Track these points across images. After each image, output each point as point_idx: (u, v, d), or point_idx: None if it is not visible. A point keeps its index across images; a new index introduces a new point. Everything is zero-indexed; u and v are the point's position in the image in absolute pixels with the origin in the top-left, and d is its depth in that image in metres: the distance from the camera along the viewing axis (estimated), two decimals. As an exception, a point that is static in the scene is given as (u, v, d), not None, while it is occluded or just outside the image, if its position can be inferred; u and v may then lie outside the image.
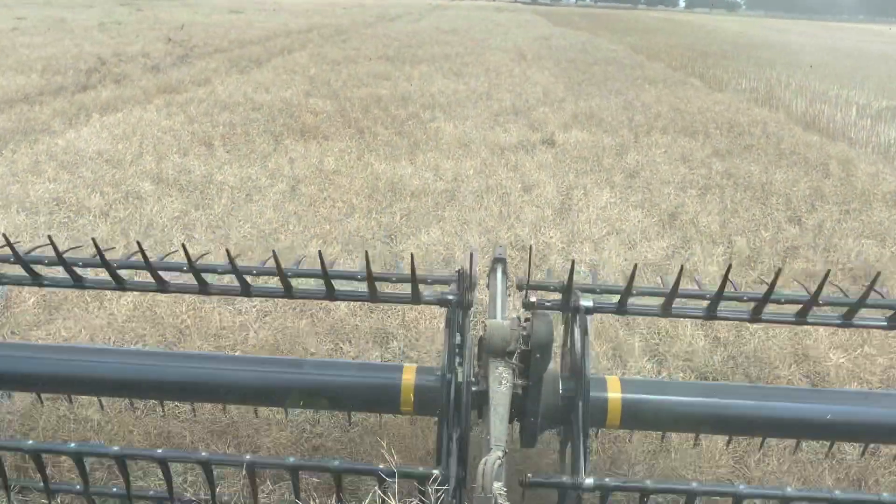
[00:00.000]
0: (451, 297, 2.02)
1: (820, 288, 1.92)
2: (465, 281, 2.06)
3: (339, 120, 8.37)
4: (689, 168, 6.59)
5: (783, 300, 2.01)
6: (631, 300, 2.01)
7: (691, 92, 11.72)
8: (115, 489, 2.12)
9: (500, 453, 1.59)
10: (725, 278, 1.93)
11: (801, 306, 1.98)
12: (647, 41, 25.24)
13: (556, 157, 6.78)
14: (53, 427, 2.54)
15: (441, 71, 13.00)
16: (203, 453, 1.94)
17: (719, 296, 1.96)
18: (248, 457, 1.88)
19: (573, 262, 2.04)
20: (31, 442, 1.98)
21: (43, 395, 2.60)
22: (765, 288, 1.94)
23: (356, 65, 13.81)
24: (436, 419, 2.04)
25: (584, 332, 1.96)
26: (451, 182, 5.81)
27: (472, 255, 2.19)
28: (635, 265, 1.99)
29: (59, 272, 2.10)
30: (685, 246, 4.57)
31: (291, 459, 1.91)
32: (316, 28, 24.79)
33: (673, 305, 1.99)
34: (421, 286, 2.05)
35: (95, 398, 2.58)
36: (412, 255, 2.04)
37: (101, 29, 21.11)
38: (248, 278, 2.08)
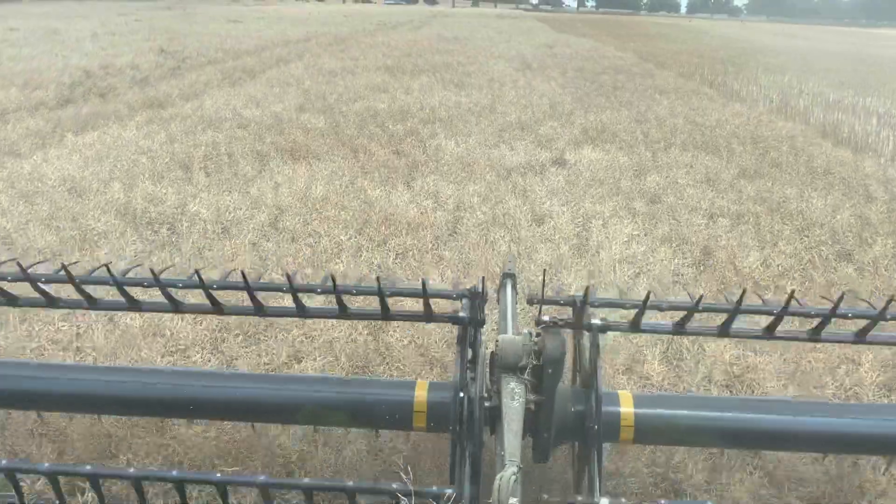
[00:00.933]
0: (463, 314, 2.04)
1: (835, 307, 1.95)
2: (477, 298, 2.07)
3: (331, 137, 7.76)
4: (717, 191, 5.96)
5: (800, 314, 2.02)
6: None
7: (706, 102, 11.10)
8: None
9: (514, 469, 1.58)
10: (742, 296, 1.95)
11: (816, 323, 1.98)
12: (652, 48, 24.65)
13: (569, 180, 6.15)
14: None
15: (442, 82, 12.39)
16: (217, 474, 1.85)
17: (736, 311, 1.96)
18: (262, 477, 1.81)
19: (587, 287, 2.02)
20: (47, 465, 1.89)
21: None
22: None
23: (353, 76, 13.22)
24: (448, 435, 2.02)
25: (596, 348, 1.95)
26: (452, 211, 5.18)
27: (482, 277, 2.17)
28: (649, 292, 1.97)
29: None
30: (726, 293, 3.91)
31: (306, 480, 1.84)
32: (314, 37, 24.26)
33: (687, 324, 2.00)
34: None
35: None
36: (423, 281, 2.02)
37: (94, 40, 20.58)
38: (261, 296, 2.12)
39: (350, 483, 1.81)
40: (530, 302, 2.08)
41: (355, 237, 4.60)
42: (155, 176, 5.93)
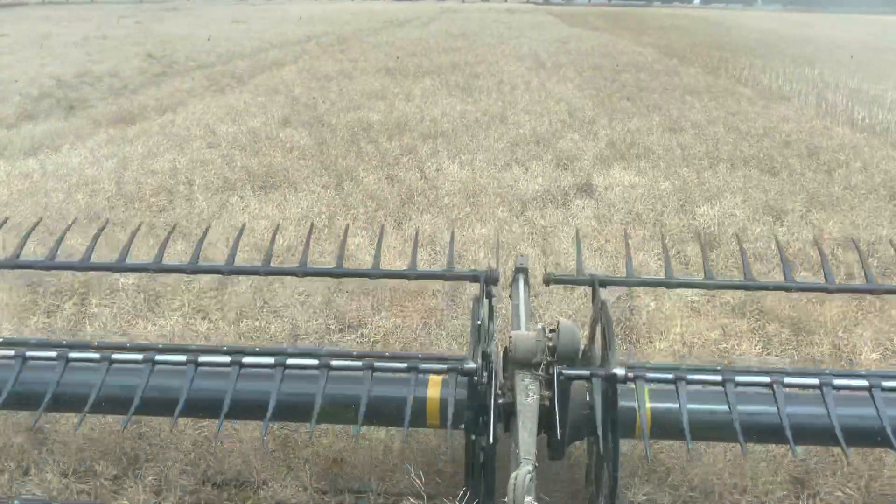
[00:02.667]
0: (479, 274, 2.15)
1: None
2: (491, 283, 2.14)
3: (315, 159, 6.61)
4: (788, 229, 4.74)
5: None
6: None
7: (744, 104, 9.82)
8: None
9: (530, 467, 1.56)
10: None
11: None
12: (670, 41, 23.30)
13: (600, 216, 4.95)
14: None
15: (447, 86, 11.19)
16: None
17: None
18: None
19: (604, 301, 1.98)
20: None
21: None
22: None
23: (350, 80, 12.05)
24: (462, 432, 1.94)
25: (611, 344, 1.89)
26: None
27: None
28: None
29: None
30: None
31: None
32: (315, 37, 23.11)
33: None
34: None
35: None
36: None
37: (83, 45, 19.56)
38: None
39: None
40: (547, 282, 2.24)
41: (321, 319, 3.42)
42: (85, 221, 4.78)
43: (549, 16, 46.14)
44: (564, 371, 1.82)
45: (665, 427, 2.01)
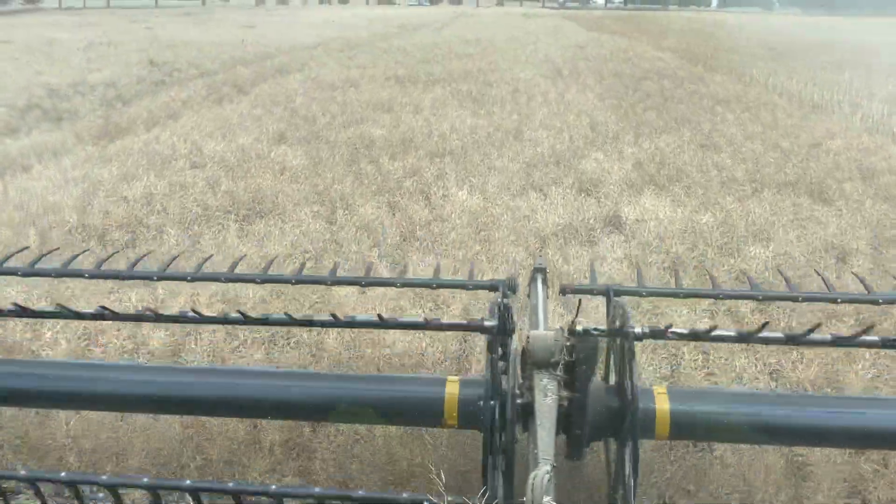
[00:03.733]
0: (490, 323, 1.99)
1: None
2: (512, 288, 2.17)
3: (308, 182, 5.92)
4: (851, 268, 3.98)
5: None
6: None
7: (782, 116, 9.03)
8: None
9: (548, 467, 1.55)
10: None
11: None
12: (690, 46, 22.46)
13: (631, 257, 4.20)
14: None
15: (458, 96, 10.48)
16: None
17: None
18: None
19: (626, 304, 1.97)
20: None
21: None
22: None
23: (356, 89, 11.38)
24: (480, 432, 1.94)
25: (631, 345, 1.89)
26: (459, 334, 3.28)
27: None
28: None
29: None
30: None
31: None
32: (324, 43, 22.52)
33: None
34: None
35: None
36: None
37: (86, 51, 19.02)
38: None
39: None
40: (563, 292, 2.26)
41: (284, 430, 2.70)
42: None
43: (566, 20, 45.35)
44: (588, 328, 1.79)
45: (685, 429, 1.98)
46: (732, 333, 1.91)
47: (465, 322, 2.03)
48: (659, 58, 17.91)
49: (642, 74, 13.78)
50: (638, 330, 1.87)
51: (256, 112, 9.27)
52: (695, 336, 1.89)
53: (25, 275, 2.39)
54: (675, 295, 2.31)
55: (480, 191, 5.59)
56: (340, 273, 2.38)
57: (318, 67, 15.33)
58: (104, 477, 1.77)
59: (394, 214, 5.13)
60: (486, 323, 1.93)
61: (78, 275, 2.40)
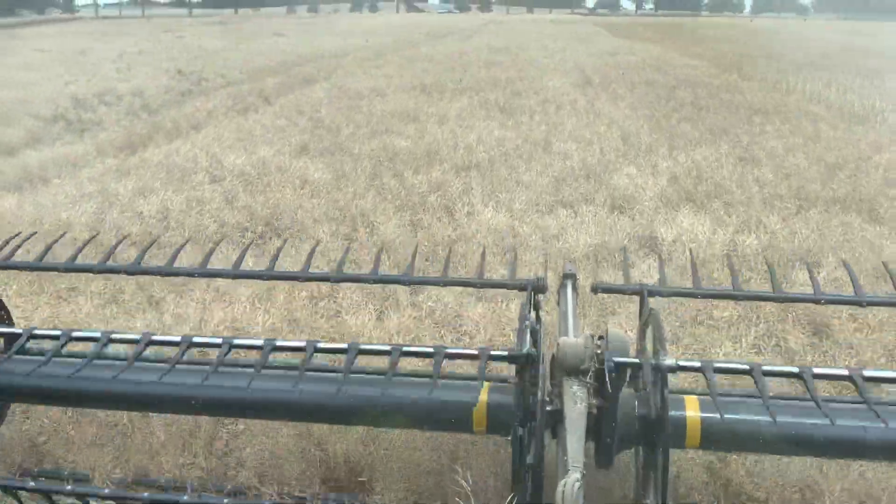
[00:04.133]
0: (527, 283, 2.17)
1: None
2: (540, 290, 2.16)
3: (328, 197, 5.71)
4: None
5: None
6: None
7: (824, 128, 8.63)
8: None
9: (578, 475, 1.56)
10: None
11: None
12: (724, 53, 21.98)
13: (672, 284, 3.89)
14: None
15: (485, 105, 10.24)
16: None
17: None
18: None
19: (652, 311, 1.93)
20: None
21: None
22: None
23: (382, 99, 11.20)
24: (509, 439, 1.92)
25: (662, 345, 1.82)
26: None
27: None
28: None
29: None
30: None
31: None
32: (352, 51, 22.43)
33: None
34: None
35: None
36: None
37: (117, 61, 19.15)
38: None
39: None
40: (595, 290, 2.27)
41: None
42: (25, 290, 3.94)
43: (596, 27, 44.89)
44: (615, 358, 1.76)
45: (716, 438, 1.94)
46: (783, 369, 1.87)
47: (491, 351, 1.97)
48: (692, 65, 17.51)
49: (675, 83, 13.42)
50: (670, 362, 1.81)
51: (280, 123, 9.12)
52: (734, 371, 1.84)
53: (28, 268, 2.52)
54: (712, 296, 2.28)
55: (507, 207, 5.33)
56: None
57: (345, 76, 15.21)
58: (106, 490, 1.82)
59: (416, 233, 4.90)
60: (513, 353, 1.91)
61: (87, 269, 2.47)
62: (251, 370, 1.98)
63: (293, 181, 6.13)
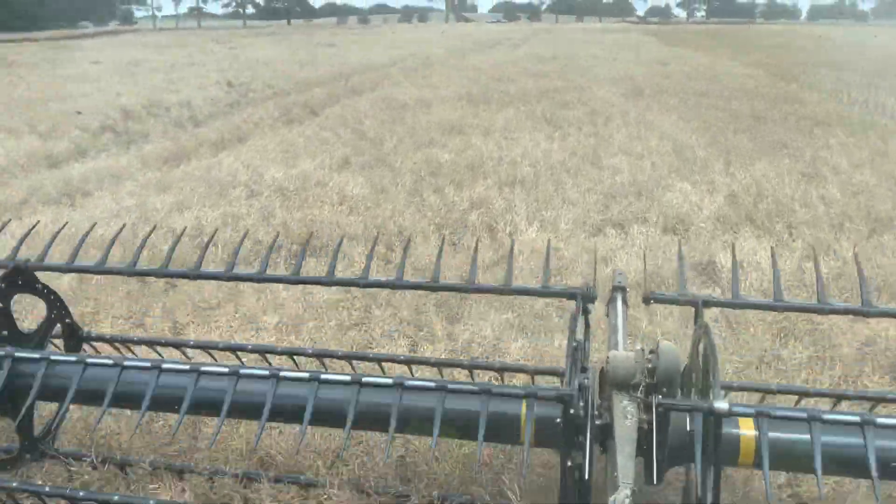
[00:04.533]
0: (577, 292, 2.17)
1: None
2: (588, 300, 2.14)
3: (366, 214, 5.52)
4: None
5: None
6: None
7: (894, 144, 8.11)
8: None
9: (628, 491, 1.54)
10: None
11: None
12: (781, 61, 21.25)
13: (734, 323, 3.56)
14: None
15: (532, 117, 9.97)
16: None
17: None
18: None
19: (706, 326, 1.81)
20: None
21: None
22: None
23: (428, 109, 11.02)
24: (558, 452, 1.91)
25: (715, 372, 1.72)
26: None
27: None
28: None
29: None
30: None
31: None
32: (400, 62, 22.41)
33: None
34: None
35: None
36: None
37: (168, 72, 19.48)
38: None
39: None
40: (647, 300, 2.18)
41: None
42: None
43: (645, 35, 44.19)
44: (663, 401, 1.71)
45: (772, 457, 1.75)
46: (844, 418, 1.75)
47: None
48: (747, 75, 16.91)
49: (730, 93, 12.93)
50: (723, 405, 1.68)
51: (324, 135, 9.01)
52: (792, 419, 1.74)
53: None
54: (772, 308, 2.19)
55: (552, 227, 5.06)
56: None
57: (392, 87, 15.12)
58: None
59: (455, 255, 4.66)
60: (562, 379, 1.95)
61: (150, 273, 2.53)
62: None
63: (331, 196, 5.96)
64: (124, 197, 6.20)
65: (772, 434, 1.77)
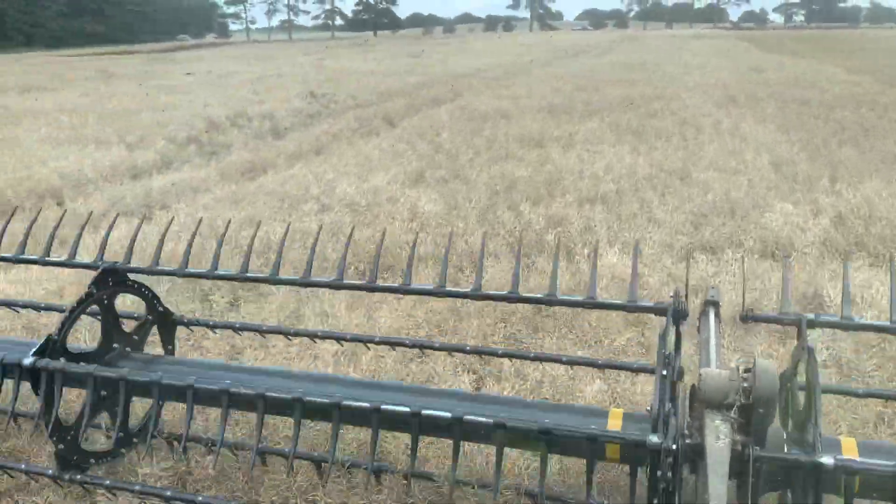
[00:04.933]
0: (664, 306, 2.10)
1: None
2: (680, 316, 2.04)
3: (437, 232, 5.28)
4: None
5: None
6: None
7: None
8: None
9: None
10: None
11: None
12: (889, 66, 19.81)
13: (845, 372, 3.09)
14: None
15: (616, 128, 9.52)
16: None
17: None
18: None
19: (810, 350, 1.83)
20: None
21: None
22: None
23: (507, 121, 10.74)
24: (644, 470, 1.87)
25: (816, 409, 1.73)
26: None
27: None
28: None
29: None
30: None
31: None
32: (481, 72, 22.20)
33: None
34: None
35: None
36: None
37: (255, 83, 19.96)
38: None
39: None
40: (745, 319, 2.10)
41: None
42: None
43: (740, 41, 42.44)
44: (760, 454, 1.66)
45: (875, 488, 1.70)
46: None
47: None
48: (853, 82, 15.80)
49: (833, 101, 12.06)
50: (828, 461, 1.63)
51: (400, 147, 8.86)
52: None
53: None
54: (885, 330, 2.06)
55: (639, 250, 4.66)
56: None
57: (472, 97, 14.92)
58: None
59: (529, 276, 4.35)
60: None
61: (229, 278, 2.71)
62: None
63: (402, 213, 5.75)
64: (200, 210, 6.18)
65: (876, 461, 1.69)
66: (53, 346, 2.24)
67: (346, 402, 1.96)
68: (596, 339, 3.47)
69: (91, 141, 10.17)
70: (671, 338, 1.95)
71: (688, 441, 1.75)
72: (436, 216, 5.69)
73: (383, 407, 1.94)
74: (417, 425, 1.95)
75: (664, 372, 1.83)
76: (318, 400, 1.98)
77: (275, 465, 2.55)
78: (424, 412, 1.91)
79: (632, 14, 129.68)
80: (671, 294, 2.13)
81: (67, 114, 13.54)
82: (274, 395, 2.00)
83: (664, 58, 26.31)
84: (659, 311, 2.12)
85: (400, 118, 12.09)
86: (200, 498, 2.13)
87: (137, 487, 2.18)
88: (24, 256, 2.65)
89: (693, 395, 1.79)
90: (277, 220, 5.68)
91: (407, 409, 1.93)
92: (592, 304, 2.23)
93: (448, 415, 1.90)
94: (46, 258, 2.63)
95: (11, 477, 2.47)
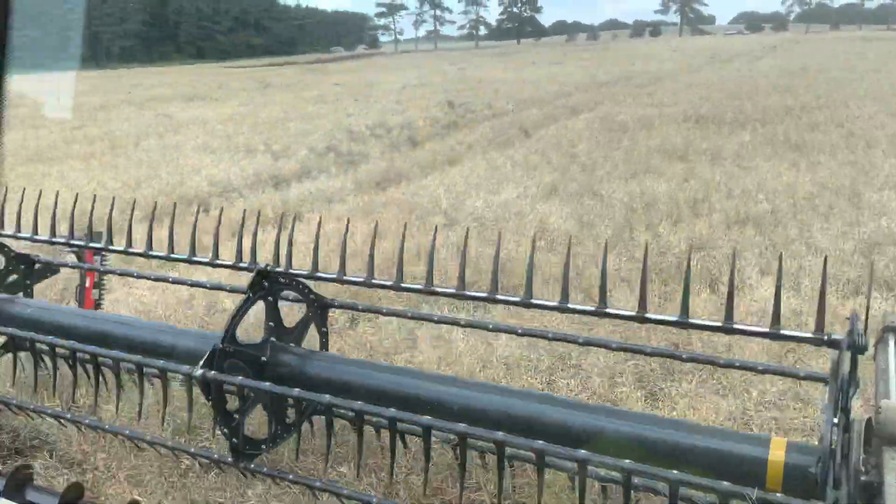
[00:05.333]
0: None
1: None
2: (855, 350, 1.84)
3: (562, 255, 4.95)
4: None
5: None
6: None
7: None
8: None
9: None
10: None
11: None
12: None
13: None
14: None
15: (771, 141, 8.74)
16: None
17: None
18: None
19: None
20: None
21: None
22: None
23: (648, 132, 10.19)
24: None
25: None
26: None
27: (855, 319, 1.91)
28: None
29: None
30: None
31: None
32: (625, 78, 21.47)
33: None
34: None
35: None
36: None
37: (398, 93, 20.39)
38: None
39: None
40: None
41: None
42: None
43: (920, 43, 38.48)
44: None
45: None
46: None
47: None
48: None
49: None
50: None
51: (533, 159, 8.61)
52: None
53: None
54: None
55: (793, 283, 4.13)
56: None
57: (613, 105, 14.38)
58: None
59: (663, 305, 3.95)
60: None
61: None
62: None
63: (529, 231, 5.48)
64: (329, 221, 6.23)
65: None
66: (226, 338, 2.44)
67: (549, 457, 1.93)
68: (744, 388, 3.04)
69: (242, 149, 10.70)
70: (845, 369, 1.82)
71: (862, 478, 1.65)
72: (564, 235, 5.37)
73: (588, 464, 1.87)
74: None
75: (835, 402, 1.74)
76: (521, 452, 2.04)
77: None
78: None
79: (792, 16, 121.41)
80: (847, 321, 1.90)
81: (224, 122, 14.41)
82: (473, 432, 2.01)
83: (828, 62, 24.27)
84: (828, 343, 1.97)
85: (535, 128, 11.83)
86: (346, 491, 2.23)
87: (291, 477, 2.34)
88: (196, 258, 2.93)
89: (870, 429, 1.69)
90: (399, 234, 5.58)
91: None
92: (732, 331, 2.06)
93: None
94: (216, 261, 2.92)
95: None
